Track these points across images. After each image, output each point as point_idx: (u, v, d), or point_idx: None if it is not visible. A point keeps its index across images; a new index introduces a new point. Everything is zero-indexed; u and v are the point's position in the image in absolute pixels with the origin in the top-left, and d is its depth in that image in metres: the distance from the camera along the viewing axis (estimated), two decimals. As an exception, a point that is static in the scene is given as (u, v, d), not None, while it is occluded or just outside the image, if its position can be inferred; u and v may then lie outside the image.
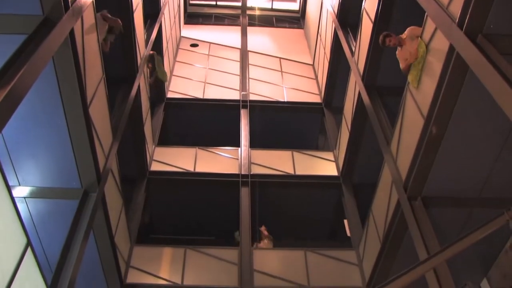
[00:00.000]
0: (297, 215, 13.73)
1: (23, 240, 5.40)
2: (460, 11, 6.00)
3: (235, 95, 16.42)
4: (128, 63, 10.86)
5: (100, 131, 8.34)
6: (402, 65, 8.19)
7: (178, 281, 10.70)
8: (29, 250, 5.49)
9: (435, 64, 7.08)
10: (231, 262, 11.13)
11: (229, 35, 20.49)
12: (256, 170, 13.45)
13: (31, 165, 8.05)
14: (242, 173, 13.27)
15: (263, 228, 12.48)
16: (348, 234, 12.24)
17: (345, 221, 12.63)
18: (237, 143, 14.45)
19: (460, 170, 7.67)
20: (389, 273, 9.43)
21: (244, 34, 20.57)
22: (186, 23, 21.37)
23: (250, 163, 13.64)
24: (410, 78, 8.07)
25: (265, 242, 12.26)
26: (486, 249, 8.59)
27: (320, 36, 17.17)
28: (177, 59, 18.38)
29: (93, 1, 7.66)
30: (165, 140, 15.70)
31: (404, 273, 3.10)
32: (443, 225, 8.10)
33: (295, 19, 22.29)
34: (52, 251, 8.00)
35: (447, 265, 7.09)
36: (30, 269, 5.62)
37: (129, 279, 10.62)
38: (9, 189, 5.06)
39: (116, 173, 9.84)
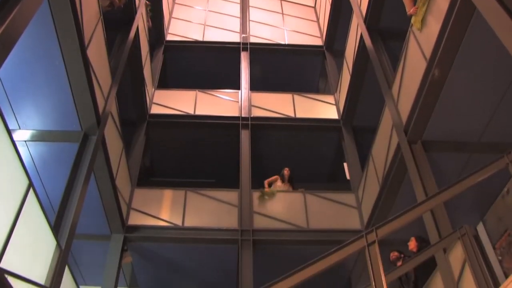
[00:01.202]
0: (298, 158, 13.79)
1: (24, 181, 5.44)
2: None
3: (235, 38, 16.17)
4: (126, 4, 10.62)
5: (99, 73, 8.26)
6: (408, 9, 8.01)
7: (179, 223, 10.87)
8: (31, 191, 5.53)
9: (441, 4, 6.90)
10: (231, 204, 11.27)
11: (229, -24, 19.99)
12: (256, 112, 13.42)
13: (31, 108, 8.02)
14: (243, 115, 13.24)
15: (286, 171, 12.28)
16: (348, 177, 12.33)
17: (345, 164, 12.70)
18: (237, 86, 14.35)
19: (461, 114, 7.64)
20: (387, 216, 9.54)
21: (244, -25, 20.07)
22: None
23: (251, 105, 13.58)
24: (413, 20, 7.91)
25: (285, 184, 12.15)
26: (484, 194, 8.69)
27: (322, -24, 16.76)
28: (176, 1, 17.97)
29: None
30: (164, 83, 15.58)
31: (402, 213, 3.13)
32: (442, 170, 8.15)
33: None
34: (54, 194, 8.08)
35: (445, 208, 7.18)
36: (33, 210, 5.68)
37: (130, 221, 10.78)
38: (9, 132, 5.05)
39: (116, 116, 9.82)
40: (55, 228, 6.64)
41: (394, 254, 8.33)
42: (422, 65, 7.49)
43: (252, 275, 9.77)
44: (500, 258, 8.70)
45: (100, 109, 8.30)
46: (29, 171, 5.54)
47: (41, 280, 5.97)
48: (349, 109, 12.78)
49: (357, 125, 12.99)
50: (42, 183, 8.69)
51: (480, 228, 9.17)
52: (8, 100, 7.74)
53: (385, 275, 2.80)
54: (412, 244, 7.94)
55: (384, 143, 9.39)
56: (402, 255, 8.28)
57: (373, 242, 2.89)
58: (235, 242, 10.55)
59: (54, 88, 7.67)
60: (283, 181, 12.06)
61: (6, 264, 4.93)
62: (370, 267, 2.81)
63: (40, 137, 8.30)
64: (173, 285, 12.12)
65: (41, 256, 6.09)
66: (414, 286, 7.89)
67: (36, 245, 5.97)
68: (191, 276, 11.97)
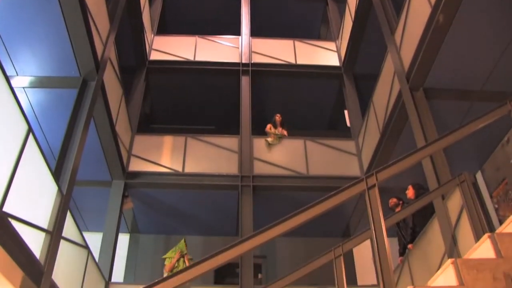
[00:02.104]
0: (298, 105, 13.73)
1: (24, 127, 5.43)
2: None
3: (235, -18, 15.81)
4: None
5: (97, 18, 8.10)
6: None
7: (179, 169, 10.92)
8: (30, 136, 5.53)
9: None
10: (231, 150, 11.29)
11: None
12: (257, 59, 13.27)
13: (28, 54, 7.91)
14: (243, 62, 13.10)
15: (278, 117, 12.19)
16: (348, 124, 12.32)
17: (345, 112, 12.66)
18: (238, 32, 14.13)
19: (465, 61, 7.55)
20: (387, 163, 9.57)
21: None
22: None
23: (251, 52, 13.42)
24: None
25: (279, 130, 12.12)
26: (483, 144, 8.70)
27: None
28: None
29: None
30: (164, 29, 15.34)
31: (402, 158, 3.12)
32: (443, 118, 8.12)
33: None
34: (54, 140, 8.10)
35: (444, 156, 7.19)
36: (33, 155, 5.69)
37: (131, 167, 10.83)
38: (7, 78, 5.01)
39: (115, 62, 9.71)
40: (56, 174, 6.67)
41: (392, 201, 8.41)
42: (426, 11, 7.34)
43: (252, 221, 9.90)
44: (496, 206, 8.81)
45: (99, 55, 8.20)
46: (28, 118, 5.52)
47: (44, 225, 6.05)
48: (351, 56, 12.63)
49: (358, 72, 12.86)
50: (41, 129, 8.68)
51: (479, 177, 9.24)
52: (5, 46, 7.63)
53: (384, 220, 2.82)
54: (410, 192, 8.00)
55: (386, 90, 9.32)
56: (401, 202, 8.36)
57: (373, 185, 2.89)
58: (235, 188, 10.64)
59: (52, 33, 7.55)
60: (275, 127, 12.03)
61: (8, 208, 4.97)
62: (370, 210, 2.82)
63: (39, 83, 8.23)
64: (174, 230, 12.29)
65: (43, 201, 6.15)
66: (412, 232, 8.00)
67: (38, 190, 6.01)
68: (192, 221, 12.14)
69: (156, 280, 2.67)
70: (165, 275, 9.01)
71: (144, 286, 2.67)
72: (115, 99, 9.69)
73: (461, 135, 3.40)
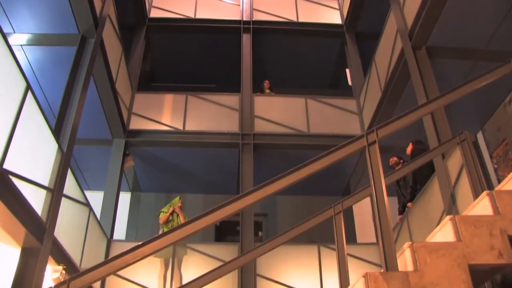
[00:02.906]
0: (299, 63, 13.62)
1: (22, 84, 5.39)
2: None
3: None
4: None
5: (95, -27, 7.96)
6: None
7: (180, 127, 10.91)
8: (29, 93, 5.51)
9: None
10: (232, 108, 11.26)
11: None
12: (258, 16, 13.10)
13: (25, 11, 7.80)
14: (244, 19, 12.93)
15: (266, 83, 12.31)
16: (350, 83, 12.24)
17: (347, 70, 12.57)
18: (238, -12, 13.91)
19: (469, 19, 7.41)
20: (388, 122, 9.55)
21: None
22: None
23: (252, 9, 13.23)
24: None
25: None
26: (485, 104, 8.65)
27: None
28: None
29: None
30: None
31: (403, 115, 3.09)
32: (446, 77, 8.04)
33: None
34: (54, 98, 8.05)
35: (446, 117, 7.16)
36: (32, 112, 5.68)
37: (131, 126, 10.82)
38: (4, 35, 4.94)
39: (114, 19, 9.57)
40: (56, 132, 6.66)
41: (393, 159, 8.43)
42: (431, -35, 7.18)
43: (253, 179, 9.95)
44: (495, 166, 8.84)
45: (97, 11, 8.08)
46: (27, 76, 5.48)
47: (45, 183, 6.08)
48: (353, 14, 12.45)
49: (360, 31, 12.70)
50: (41, 88, 8.63)
51: (479, 138, 9.23)
52: (1, 3, 7.51)
53: (384, 177, 2.81)
54: (409, 149, 8.03)
55: (388, 49, 9.22)
56: (402, 161, 8.38)
57: (374, 142, 2.88)
58: (236, 146, 10.65)
59: (48, -12, 7.43)
60: (263, 92, 12.08)
61: (9, 165, 4.99)
62: (370, 167, 2.81)
63: (36, 41, 8.14)
64: (175, 189, 12.38)
65: (43, 159, 6.16)
66: (411, 191, 8.05)
67: (38, 148, 6.02)
68: (193, 179, 12.21)
69: (157, 235, 2.69)
70: (160, 228, 9.19)
71: (146, 240, 2.68)
72: (114, 56, 9.60)
73: (463, 93, 3.36)
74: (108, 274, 2.72)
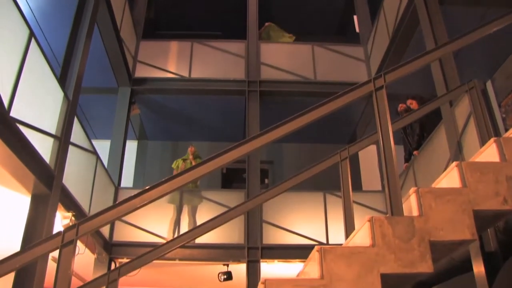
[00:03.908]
0: (306, 9, 13.37)
1: (25, 31, 5.34)
2: None
3: None
4: None
5: None
6: None
7: (186, 74, 10.84)
8: (33, 41, 5.46)
9: None
10: (238, 55, 11.14)
11: None
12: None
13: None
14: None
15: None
16: (357, 30, 12.04)
17: (355, 17, 12.34)
18: None
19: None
20: (395, 69, 9.44)
21: None
22: None
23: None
24: None
25: None
26: (495, 53, 8.49)
27: None
28: None
29: None
30: None
31: (411, 60, 3.04)
32: (456, 24, 7.87)
33: None
34: (59, 48, 7.96)
35: (455, 65, 7.06)
36: (37, 60, 5.65)
37: (137, 73, 10.76)
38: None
39: (117, -36, 9.38)
40: (61, 80, 6.64)
41: (402, 106, 8.38)
42: None
43: (259, 126, 9.94)
44: (504, 116, 8.76)
45: (100, -45, 7.91)
46: (30, 24, 5.42)
47: (51, 131, 6.10)
48: (361, -43, 12.13)
49: (369, -24, 12.40)
50: (44, 37, 8.53)
51: (488, 87, 9.12)
52: None
53: (391, 124, 2.79)
54: (414, 105, 7.98)
55: (397, -6, 9.02)
56: (410, 108, 8.34)
57: (381, 87, 2.84)
58: (242, 93, 10.60)
59: None
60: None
61: (16, 114, 5.00)
62: (377, 112, 2.79)
63: (38, -14, 8.01)
64: (181, 137, 12.43)
65: (50, 107, 6.17)
66: (418, 139, 8.04)
67: (44, 96, 6.01)
68: (199, 126, 12.23)
69: (164, 179, 2.69)
70: None
71: (153, 184, 2.69)
72: (118, 3, 9.44)
73: (473, 39, 3.28)
74: (116, 218, 2.75)
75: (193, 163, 9.22)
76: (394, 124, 3.78)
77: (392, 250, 2.39)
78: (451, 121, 6.60)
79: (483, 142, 5.05)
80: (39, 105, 5.86)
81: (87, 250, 7.88)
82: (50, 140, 6.05)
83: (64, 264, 2.53)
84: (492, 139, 2.88)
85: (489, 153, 2.88)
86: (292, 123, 2.79)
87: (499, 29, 3.35)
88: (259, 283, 2.35)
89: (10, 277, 5.32)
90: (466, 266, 5.20)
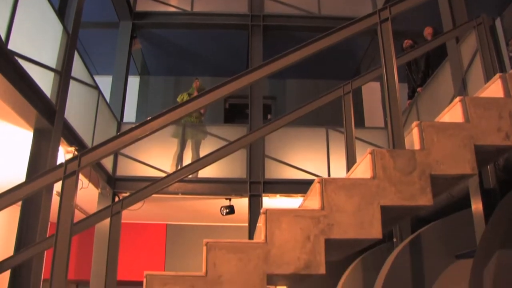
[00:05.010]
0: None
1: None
2: None
3: None
4: None
5: None
6: None
7: (188, 8, 10.63)
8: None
9: None
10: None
11: None
12: None
13: None
14: None
15: None
16: (364, -37, 11.67)
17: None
18: None
19: None
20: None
21: None
22: None
23: None
24: None
25: None
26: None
27: None
28: None
29: None
30: None
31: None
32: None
33: None
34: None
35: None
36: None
37: (138, 7, 10.56)
38: None
39: None
40: (61, 13, 6.50)
41: (408, 42, 8.25)
42: None
43: (262, 61, 9.82)
44: (511, 54, 8.61)
45: None
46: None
47: (52, 65, 6.04)
48: None
49: None
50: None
51: (497, 24, 8.91)
52: None
53: (396, 58, 2.75)
54: (427, 31, 7.82)
55: None
56: (416, 45, 8.20)
57: (386, 19, 2.78)
58: (245, 27, 10.41)
59: None
60: None
61: (14, 47, 4.93)
62: (381, 46, 2.74)
63: None
64: (183, 72, 12.32)
65: (49, 41, 6.08)
66: (423, 76, 7.95)
67: (43, 30, 5.91)
68: (202, 62, 12.09)
69: (165, 109, 2.67)
70: None
71: (155, 114, 2.67)
72: None
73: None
74: (118, 149, 2.75)
75: None
76: (399, 58, 3.72)
77: (393, 182, 2.40)
78: (457, 58, 6.50)
79: (488, 78, 5.00)
80: (38, 39, 5.78)
81: (91, 185, 7.98)
82: (51, 74, 6.00)
83: (67, 196, 2.54)
84: (497, 75, 2.85)
85: (494, 89, 2.85)
86: (295, 54, 2.75)
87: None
88: (260, 213, 2.37)
89: (16, 212, 5.42)
90: (464, 203, 5.26)
